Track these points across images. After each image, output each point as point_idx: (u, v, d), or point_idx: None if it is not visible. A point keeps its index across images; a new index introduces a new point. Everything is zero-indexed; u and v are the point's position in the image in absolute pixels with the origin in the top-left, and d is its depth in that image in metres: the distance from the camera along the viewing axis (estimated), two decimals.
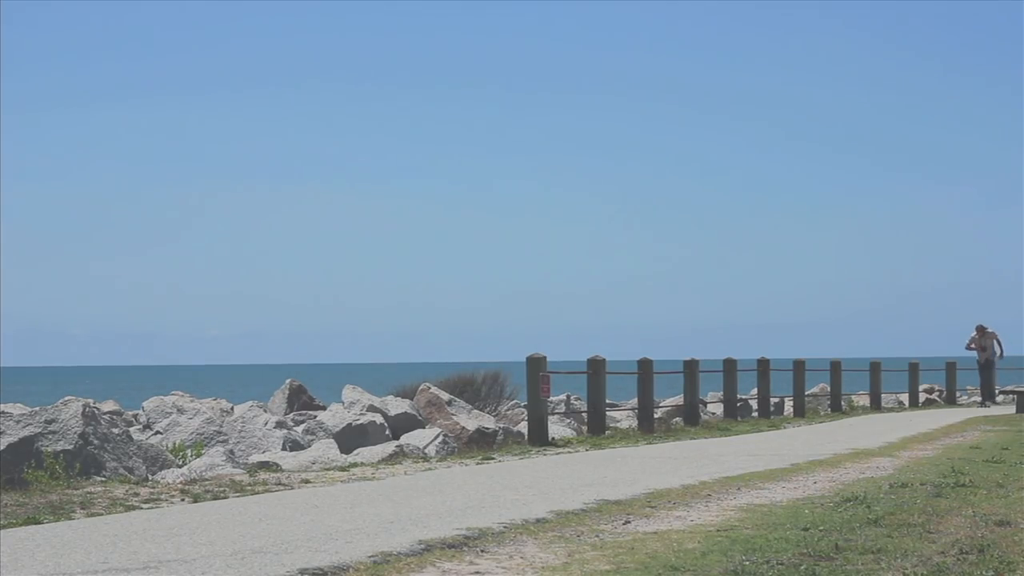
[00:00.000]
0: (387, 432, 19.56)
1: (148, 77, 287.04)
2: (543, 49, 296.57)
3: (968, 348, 33.15)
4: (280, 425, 19.52)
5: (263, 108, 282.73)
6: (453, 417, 20.06)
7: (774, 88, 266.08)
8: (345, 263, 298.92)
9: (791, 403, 29.55)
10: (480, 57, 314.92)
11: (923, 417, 26.42)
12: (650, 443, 18.47)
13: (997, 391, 33.59)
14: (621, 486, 11.49)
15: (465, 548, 7.86)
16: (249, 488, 11.82)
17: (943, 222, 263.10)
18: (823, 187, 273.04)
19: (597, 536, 8.41)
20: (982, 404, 32.90)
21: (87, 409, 15.49)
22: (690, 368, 24.33)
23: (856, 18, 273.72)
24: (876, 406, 32.19)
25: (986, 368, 33.03)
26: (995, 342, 32.82)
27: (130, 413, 26.59)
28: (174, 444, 18.09)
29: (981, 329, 32.92)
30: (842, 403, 30.96)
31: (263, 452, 17.67)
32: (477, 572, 7.12)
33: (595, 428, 20.45)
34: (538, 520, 9.08)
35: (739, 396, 27.44)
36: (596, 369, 20.63)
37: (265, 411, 21.54)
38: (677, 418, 25.19)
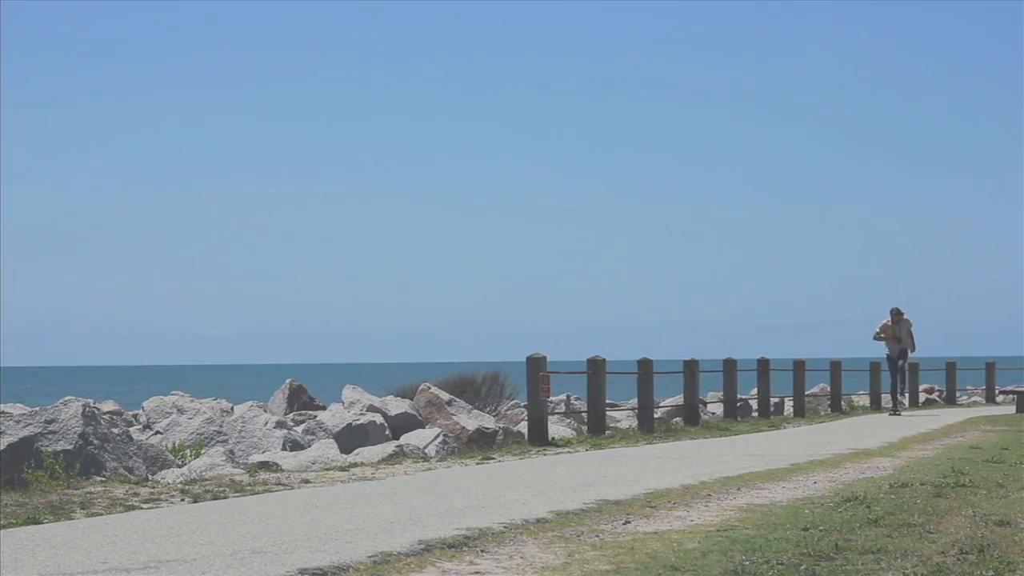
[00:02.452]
0: (387, 432, 19.55)
1: (148, 77, 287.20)
2: (543, 49, 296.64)
3: (876, 338, 27.03)
4: (280, 425, 19.51)
5: (263, 108, 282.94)
6: (453, 417, 20.05)
7: (774, 88, 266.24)
8: (345, 263, 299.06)
9: (791, 403, 29.54)
10: (481, 57, 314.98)
11: (923, 417, 26.41)
12: (650, 443, 18.46)
13: (905, 392, 28.46)
14: (621, 486, 11.49)
15: (465, 548, 7.86)
16: (249, 488, 11.82)
17: (943, 222, 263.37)
18: (824, 187, 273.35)
19: (597, 536, 8.40)
20: (893, 411, 27.41)
21: (87, 409, 15.48)
22: (690, 368, 24.32)
23: (856, 18, 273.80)
24: (876, 406, 32.16)
25: (899, 360, 26.90)
26: (911, 335, 26.85)
27: (130, 413, 26.64)
28: (174, 444, 18.09)
29: (898, 313, 26.65)
30: (842, 403, 30.94)
31: (263, 452, 17.66)
32: (477, 572, 7.12)
33: (595, 428, 20.44)
34: (538, 520, 9.07)
35: (739, 396, 27.43)
36: (596, 369, 20.63)
37: (265, 411, 21.54)
38: (677, 418, 25.19)
